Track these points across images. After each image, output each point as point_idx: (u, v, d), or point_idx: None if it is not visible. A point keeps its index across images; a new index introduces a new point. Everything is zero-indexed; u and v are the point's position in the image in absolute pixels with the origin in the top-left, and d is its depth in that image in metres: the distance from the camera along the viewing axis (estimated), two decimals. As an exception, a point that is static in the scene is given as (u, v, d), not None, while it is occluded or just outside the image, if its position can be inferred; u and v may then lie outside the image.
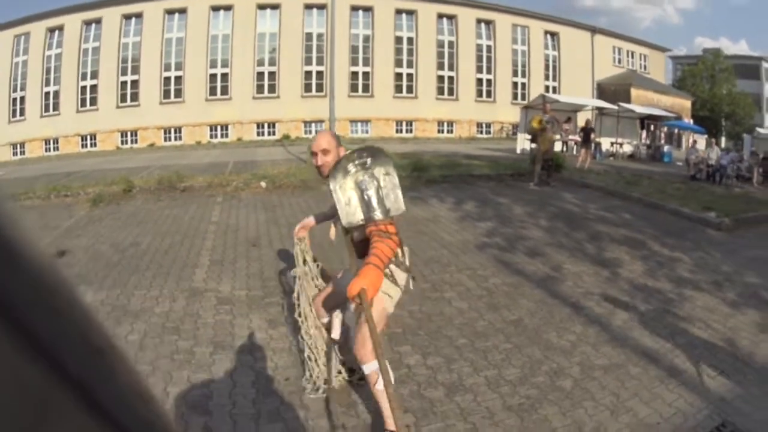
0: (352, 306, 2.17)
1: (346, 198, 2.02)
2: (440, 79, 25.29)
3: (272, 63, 23.13)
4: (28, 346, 0.19)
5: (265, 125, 23.56)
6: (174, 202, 8.11)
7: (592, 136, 14.81)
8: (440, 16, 24.99)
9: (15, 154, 25.07)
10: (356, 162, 2.03)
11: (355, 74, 23.11)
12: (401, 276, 2.20)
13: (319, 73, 23.15)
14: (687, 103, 35.04)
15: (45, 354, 0.20)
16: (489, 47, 26.63)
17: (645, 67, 35.69)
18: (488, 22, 26.58)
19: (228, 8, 23.04)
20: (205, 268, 4.52)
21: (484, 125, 26.68)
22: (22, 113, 24.59)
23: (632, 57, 34.53)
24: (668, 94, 33.71)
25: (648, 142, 22.78)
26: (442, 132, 25.29)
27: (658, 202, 8.77)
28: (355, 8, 22.63)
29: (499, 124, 26.86)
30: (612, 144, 19.24)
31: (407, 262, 2.25)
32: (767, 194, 12.09)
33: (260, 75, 23.08)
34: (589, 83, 30.32)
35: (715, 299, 4.15)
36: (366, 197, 2.02)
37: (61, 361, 0.21)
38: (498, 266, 4.52)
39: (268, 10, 23.10)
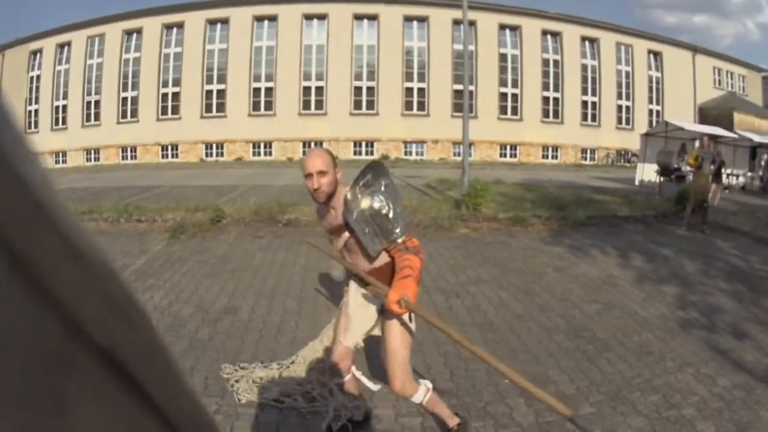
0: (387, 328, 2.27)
1: (364, 228, 2.13)
2: (545, 100, 25.12)
3: (371, 78, 23.15)
4: (47, 301, 0.21)
5: (363, 143, 23.52)
6: (277, 240, 6.98)
7: (723, 169, 14.04)
8: (544, 32, 24.93)
9: (89, 159, 24.58)
10: (360, 185, 2.13)
11: (458, 93, 22.64)
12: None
13: (421, 90, 23.15)
14: None
15: (64, 309, 0.21)
16: (594, 67, 26.24)
17: (744, 89, 34.77)
18: (592, 40, 26.17)
19: (322, 17, 23.12)
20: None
21: (588, 151, 26.34)
22: (96, 118, 24.07)
23: (731, 78, 33.77)
24: None
25: (761, 173, 21.60)
26: (547, 157, 25.10)
27: None
28: (457, 22, 22.31)
29: (604, 150, 26.50)
30: (727, 176, 18.25)
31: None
32: None
33: (358, 90, 23.07)
34: (691, 107, 29.69)
35: None
36: (383, 219, 2.12)
37: (81, 319, 0.22)
38: (714, 357, 4.01)
39: (365, 21, 23.16)
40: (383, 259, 2.21)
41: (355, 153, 23.38)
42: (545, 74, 24.92)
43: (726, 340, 4.40)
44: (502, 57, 23.87)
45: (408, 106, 23.23)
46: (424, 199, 10.17)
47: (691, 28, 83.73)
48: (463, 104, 10.55)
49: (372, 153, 23.23)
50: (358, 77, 23.05)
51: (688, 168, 11.24)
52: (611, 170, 22.71)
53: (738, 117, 28.14)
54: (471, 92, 22.34)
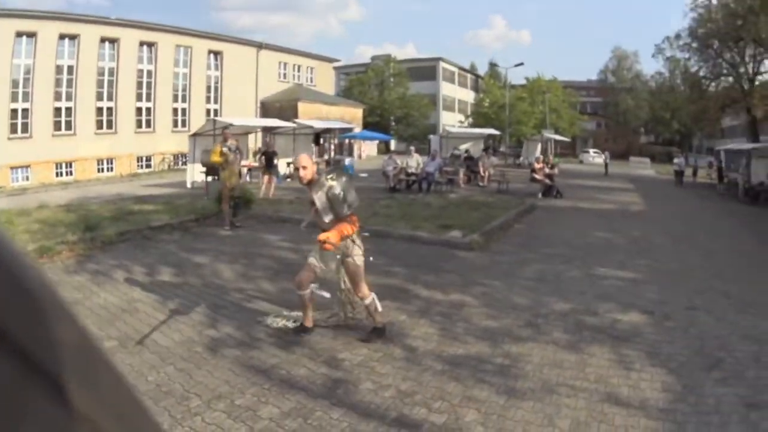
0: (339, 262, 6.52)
1: (323, 202, 6.11)
2: (99, 111, 37.27)
3: None
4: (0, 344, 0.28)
5: None
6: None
7: (275, 160, 20.96)
8: (103, 40, 37.01)
9: None
10: (327, 176, 6.26)
11: (14, 112, 32.40)
12: (359, 246, 6.42)
13: None
14: (358, 112, 56.32)
15: (19, 351, 0.31)
16: (150, 72, 40.42)
17: (312, 80, 55.68)
18: (151, 44, 40.22)
19: None
20: None
21: (144, 159, 40.03)
22: None
23: (299, 71, 54.09)
24: (338, 104, 53.75)
25: (327, 157, 36.51)
26: (103, 170, 37.07)
27: (382, 228, 12.00)
28: (19, 34, 32.10)
29: (161, 156, 40.55)
30: (288, 164, 26.14)
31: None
32: (484, 195, 20.02)
33: None
34: (253, 102, 47.27)
35: (554, 347, 6.25)
36: (338, 200, 6.08)
37: (36, 358, 0.32)
38: (255, 380, 5.39)
39: None
40: (334, 221, 6.08)
41: None
42: (100, 84, 36.70)
43: (269, 353, 5.82)
44: (59, 69, 34.31)
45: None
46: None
47: (267, 28, 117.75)
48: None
49: None
50: None
51: (209, 165, 16.06)
52: (167, 175, 33.26)
53: (303, 107, 45.74)
54: (27, 110, 32.49)
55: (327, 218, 6.19)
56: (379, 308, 6.62)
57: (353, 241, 6.41)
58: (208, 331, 6.65)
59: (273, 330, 6.76)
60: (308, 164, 6.34)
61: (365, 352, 6.10)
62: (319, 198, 6.15)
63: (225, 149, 13.39)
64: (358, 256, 6.43)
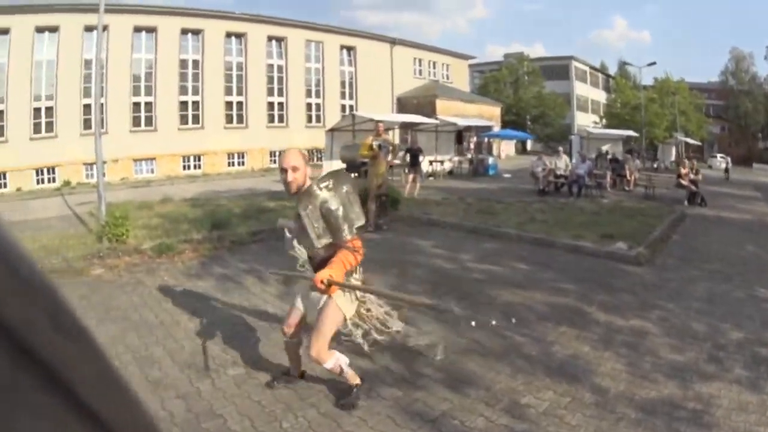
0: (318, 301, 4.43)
1: (316, 222, 4.22)
2: (228, 105, 36.82)
3: (49, 97, 30.11)
4: None
5: (45, 171, 30.14)
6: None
7: (420, 157, 20.05)
8: (228, 35, 36.59)
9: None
10: (321, 185, 4.26)
11: (137, 105, 32.54)
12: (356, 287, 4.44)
13: (100, 106, 31.62)
14: (496, 110, 53.77)
15: (12, 337, 0.31)
16: (281, 67, 39.42)
17: (448, 77, 53.52)
18: (280, 39, 39.27)
19: (4, 32, 28.84)
20: None
21: (277, 153, 38.45)
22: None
23: (434, 67, 52.01)
24: (475, 102, 51.37)
25: (470, 156, 35.05)
26: (233, 164, 36.62)
27: (544, 237, 11.56)
28: (138, 29, 32.20)
29: None
30: (431, 162, 26.52)
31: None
32: (632, 200, 19.11)
33: (37, 111, 29.85)
34: (389, 98, 45.59)
35: (737, 386, 5.21)
36: (337, 218, 4.20)
37: (29, 345, 0.33)
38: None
39: (47, 34, 29.99)
40: (330, 248, 4.28)
41: (37, 182, 29.67)
42: (228, 78, 36.38)
43: (437, 395, 4.95)
44: (183, 63, 34.24)
45: (87, 124, 29.55)
46: (70, 234, 11.60)
47: (394, 27, 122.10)
48: (92, 118, 13.74)
49: (54, 180, 29.56)
50: (37, 98, 29.43)
51: (364, 160, 14.37)
52: (301, 170, 34.61)
53: (441, 104, 43.86)
54: (150, 104, 32.74)
55: (320, 243, 4.33)
56: (345, 369, 4.69)
57: (351, 278, 4.53)
58: (358, 361, 5.22)
59: (438, 363, 5.55)
60: (301, 165, 4.40)
61: (550, 396, 5.00)
62: (309, 214, 4.28)
63: (375, 144, 12.61)
64: (349, 301, 4.58)
